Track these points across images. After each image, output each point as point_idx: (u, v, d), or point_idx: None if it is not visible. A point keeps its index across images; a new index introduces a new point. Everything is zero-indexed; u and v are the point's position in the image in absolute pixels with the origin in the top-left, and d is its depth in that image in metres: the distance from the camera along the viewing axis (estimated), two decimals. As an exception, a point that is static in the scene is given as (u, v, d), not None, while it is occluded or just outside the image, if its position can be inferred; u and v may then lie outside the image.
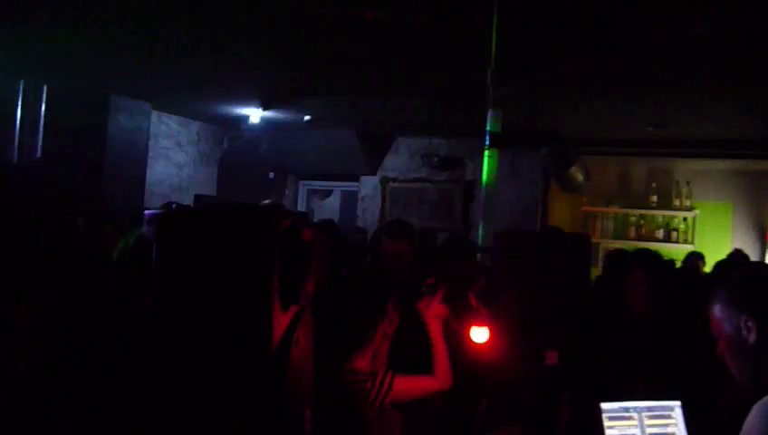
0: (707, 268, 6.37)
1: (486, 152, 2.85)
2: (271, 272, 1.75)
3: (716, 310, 1.95)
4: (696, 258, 6.58)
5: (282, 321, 1.86)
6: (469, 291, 2.87)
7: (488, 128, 2.86)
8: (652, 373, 3.32)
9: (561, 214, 7.70)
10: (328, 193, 8.95)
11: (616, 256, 4.50)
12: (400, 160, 7.70)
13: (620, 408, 2.88)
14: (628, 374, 3.32)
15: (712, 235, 7.52)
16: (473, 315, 2.87)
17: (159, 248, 1.86)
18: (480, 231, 2.77)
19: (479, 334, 2.89)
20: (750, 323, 1.85)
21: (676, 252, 7.24)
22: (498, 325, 2.93)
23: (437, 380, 2.90)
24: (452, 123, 6.24)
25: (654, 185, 7.76)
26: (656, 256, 3.75)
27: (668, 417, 2.92)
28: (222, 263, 1.79)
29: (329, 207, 8.78)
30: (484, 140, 2.87)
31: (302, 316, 1.96)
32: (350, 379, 2.80)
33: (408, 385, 2.89)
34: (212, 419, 1.75)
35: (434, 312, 2.95)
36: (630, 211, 7.81)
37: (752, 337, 1.85)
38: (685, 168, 7.66)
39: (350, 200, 8.39)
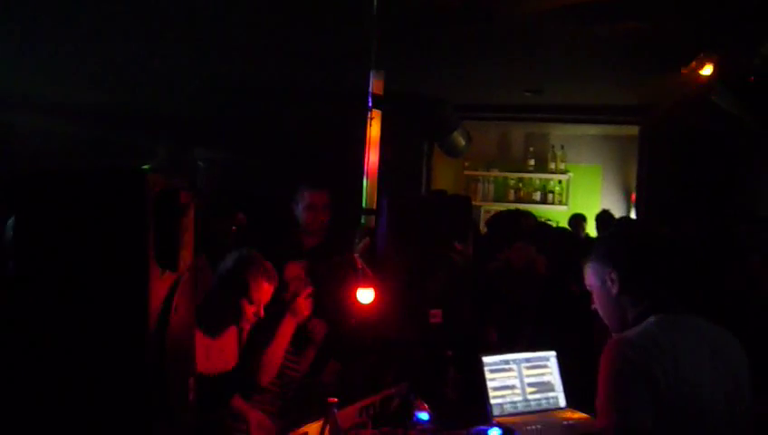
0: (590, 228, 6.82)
1: (369, 114, 2.84)
2: (144, 237, 1.67)
3: (588, 266, 2.13)
4: (580, 220, 6.99)
5: (159, 288, 1.78)
6: (354, 253, 2.88)
7: (370, 90, 2.84)
8: (535, 328, 3.49)
9: (444, 178, 7.88)
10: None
11: (499, 218, 4.68)
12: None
13: (501, 360, 3.01)
14: (512, 329, 3.47)
15: (584, 196, 7.97)
16: (358, 277, 2.89)
17: (20, 214, 1.73)
18: (364, 194, 2.77)
19: (365, 295, 2.91)
20: (613, 276, 2.02)
21: (552, 213, 7.63)
22: (383, 286, 2.97)
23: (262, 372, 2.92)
24: (337, 87, 6.18)
25: (531, 149, 8.08)
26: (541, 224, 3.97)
27: (545, 366, 3.09)
28: (90, 228, 1.69)
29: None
30: (367, 103, 2.86)
31: (181, 284, 1.89)
32: None
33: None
34: (87, 389, 1.67)
35: (296, 307, 2.98)
36: (509, 175, 8.11)
37: (615, 288, 2.02)
38: (559, 133, 8.03)
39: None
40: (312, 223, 3.60)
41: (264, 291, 2.66)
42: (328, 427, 2.24)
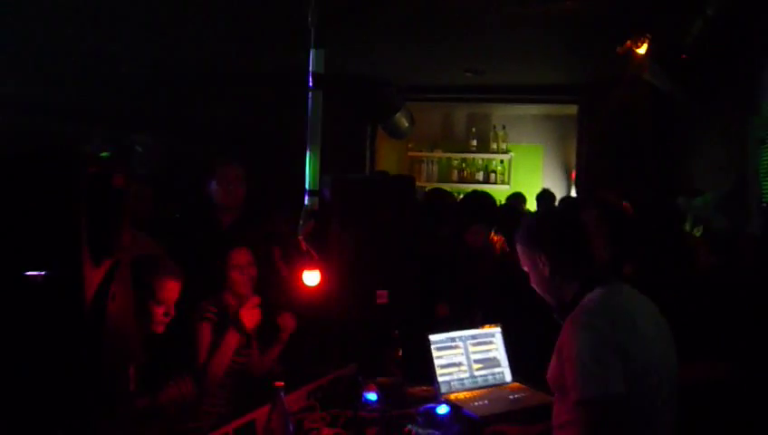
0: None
1: (310, 95, 2.79)
2: (77, 222, 1.60)
3: (519, 249, 2.22)
4: (519, 199, 7.08)
5: (94, 275, 1.72)
6: (299, 235, 2.84)
7: (311, 69, 2.79)
8: (483, 305, 3.52)
9: (388, 159, 7.88)
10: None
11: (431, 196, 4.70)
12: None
13: (447, 338, 3.03)
14: (461, 308, 3.50)
15: (525, 175, 8.09)
16: (304, 259, 2.86)
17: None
18: (308, 176, 2.73)
19: (311, 278, 2.89)
20: (543, 259, 2.12)
21: (495, 193, 7.70)
22: (329, 268, 2.95)
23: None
24: (277, 67, 6.07)
25: (474, 130, 8.15)
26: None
27: (490, 342, 3.13)
28: (20, 214, 1.61)
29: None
30: (308, 82, 2.81)
31: (118, 270, 1.83)
32: None
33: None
34: (21, 380, 1.60)
35: (240, 321, 2.91)
36: (453, 155, 8.17)
37: (546, 270, 2.12)
38: (501, 113, 8.11)
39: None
40: (227, 198, 3.47)
41: (170, 289, 2.59)
42: (275, 411, 2.21)
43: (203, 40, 5.35)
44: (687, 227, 3.25)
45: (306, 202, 2.76)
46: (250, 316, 2.94)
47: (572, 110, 7.15)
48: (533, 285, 2.21)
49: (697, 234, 3.27)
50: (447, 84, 6.83)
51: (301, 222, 2.76)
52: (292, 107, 3.16)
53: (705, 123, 4.83)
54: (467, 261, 3.64)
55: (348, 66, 5.70)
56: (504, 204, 6.11)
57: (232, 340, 2.91)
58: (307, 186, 2.73)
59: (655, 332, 2.03)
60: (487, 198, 4.01)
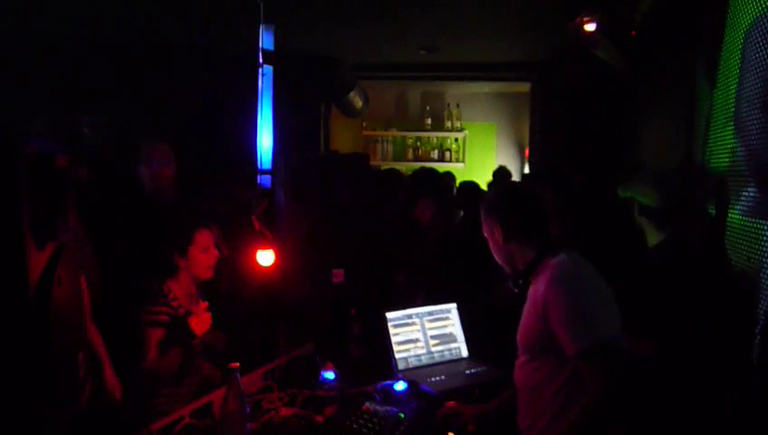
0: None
1: (260, 71, 2.73)
2: (17, 203, 1.54)
3: (482, 218, 2.35)
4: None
5: (38, 258, 1.66)
6: (252, 215, 2.80)
7: (261, 45, 2.73)
8: (436, 282, 3.55)
9: (343, 138, 7.84)
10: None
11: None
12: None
13: (404, 315, 3.05)
14: (414, 284, 3.52)
15: (479, 153, 8.15)
16: (257, 239, 2.81)
17: None
18: (260, 155, 2.68)
19: (265, 258, 2.85)
20: (497, 226, 2.26)
21: (450, 170, 7.74)
22: (283, 247, 2.91)
23: None
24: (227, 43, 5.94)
25: (428, 108, 8.16)
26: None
27: (446, 318, 3.16)
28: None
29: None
30: (257, 58, 2.74)
31: (63, 254, 1.77)
32: None
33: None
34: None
35: (191, 328, 2.74)
36: (408, 134, 8.17)
37: (500, 238, 2.26)
38: (455, 91, 8.13)
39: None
40: (155, 180, 3.35)
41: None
42: (231, 393, 2.18)
43: (152, 17, 5.20)
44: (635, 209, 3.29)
45: (259, 181, 2.72)
46: (201, 323, 2.75)
47: (525, 87, 7.21)
48: (493, 254, 2.32)
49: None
50: (401, 62, 6.79)
51: (253, 202, 2.71)
52: (243, 84, 3.09)
53: (654, 101, 4.92)
54: (416, 235, 3.66)
55: (300, 44, 5.61)
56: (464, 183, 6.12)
57: (178, 353, 2.73)
58: (259, 165, 2.68)
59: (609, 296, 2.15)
60: (434, 173, 4.03)
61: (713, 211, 3.01)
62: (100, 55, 6.20)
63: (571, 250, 2.21)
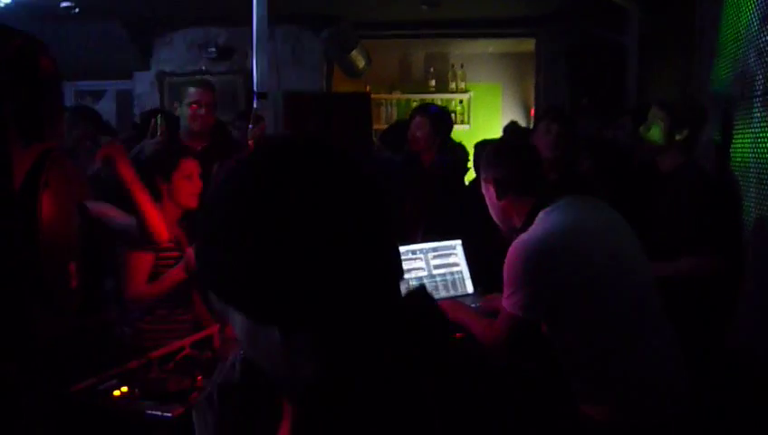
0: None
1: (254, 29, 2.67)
2: (-2, 93, 1.48)
3: (480, 174, 2.36)
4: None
5: (23, 158, 1.61)
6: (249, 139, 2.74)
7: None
8: (435, 221, 3.49)
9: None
10: (101, 94, 8.12)
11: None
12: (176, 53, 7.14)
13: (407, 251, 3.00)
14: (413, 221, 3.47)
15: (485, 115, 8.05)
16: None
17: None
18: (256, 76, 2.61)
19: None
20: (492, 185, 2.24)
21: (455, 132, 7.63)
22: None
23: None
24: (228, 9, 5.86)
25: (432, 70, 8.04)
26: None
27: (452, 255, 3.11)
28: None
29: (104, 110, 7.98)
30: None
31: (51, 156, 1.72)
32: None
33: None
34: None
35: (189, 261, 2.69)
36: (412, 96, 8.05)
37: (492, 195, 2.25)
38: (459, 52, 8.01)
39: (127, 101, 7.66)
40: (194, 120, 3.32)
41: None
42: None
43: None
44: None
45: (255, 105, 2.65)
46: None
47: (530, 46, 7.08)
48: (489, 210, 2.31)
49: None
50: (403, 19, 6.68)
51: (250, 126, 2.64)
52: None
53: (663, 48, 4.82)
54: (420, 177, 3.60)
55: (302, 3, 5.53)
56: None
57: (176, 277, 2.70)
58: (255, 87, 2.62)
59: (605, 226, 2.12)
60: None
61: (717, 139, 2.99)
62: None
63: (574, 195, 2.17)
